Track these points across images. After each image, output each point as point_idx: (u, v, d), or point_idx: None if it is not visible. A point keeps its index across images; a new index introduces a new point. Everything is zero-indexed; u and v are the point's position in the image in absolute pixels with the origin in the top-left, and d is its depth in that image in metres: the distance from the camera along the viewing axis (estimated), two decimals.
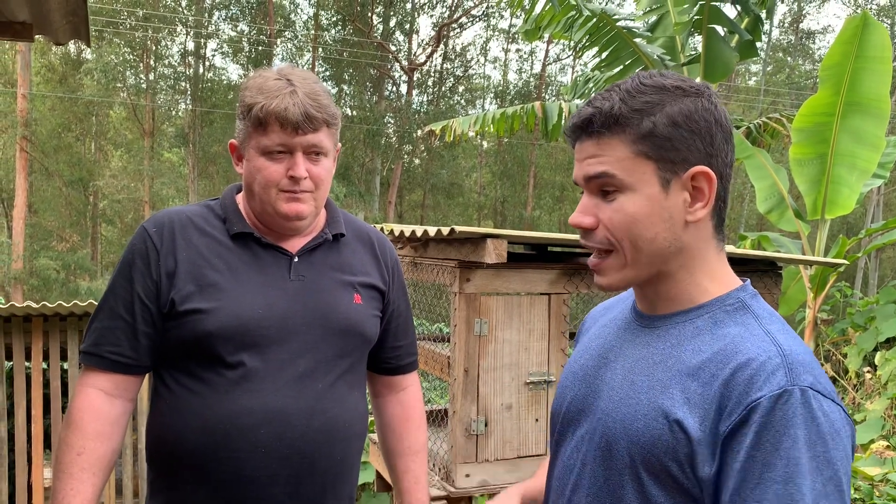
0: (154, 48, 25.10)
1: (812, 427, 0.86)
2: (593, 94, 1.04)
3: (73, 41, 2.73)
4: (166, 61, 26.12)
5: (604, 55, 6.83)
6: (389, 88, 28.00)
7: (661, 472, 0.93)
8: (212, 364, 1.42)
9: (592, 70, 8.06)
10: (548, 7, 6.62)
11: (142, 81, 25.02)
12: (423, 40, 30.61)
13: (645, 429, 0.95)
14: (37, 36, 2.59)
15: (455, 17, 28.22)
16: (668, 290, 1.03)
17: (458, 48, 30.59)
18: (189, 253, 1.46)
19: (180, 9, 25.27)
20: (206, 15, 25.43)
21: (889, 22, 26.93)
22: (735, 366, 0.91)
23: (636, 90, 0.99)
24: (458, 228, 2.47)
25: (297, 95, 1.41)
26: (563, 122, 7.05)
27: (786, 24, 31.12)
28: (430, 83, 29.31)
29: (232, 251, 1.48)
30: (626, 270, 1.01)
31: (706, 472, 0.90)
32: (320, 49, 26.37)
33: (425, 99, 28.61)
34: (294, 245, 1.53)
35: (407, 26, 27.53)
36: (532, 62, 31.99)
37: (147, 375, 1.55)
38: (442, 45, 28.45)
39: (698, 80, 1.06)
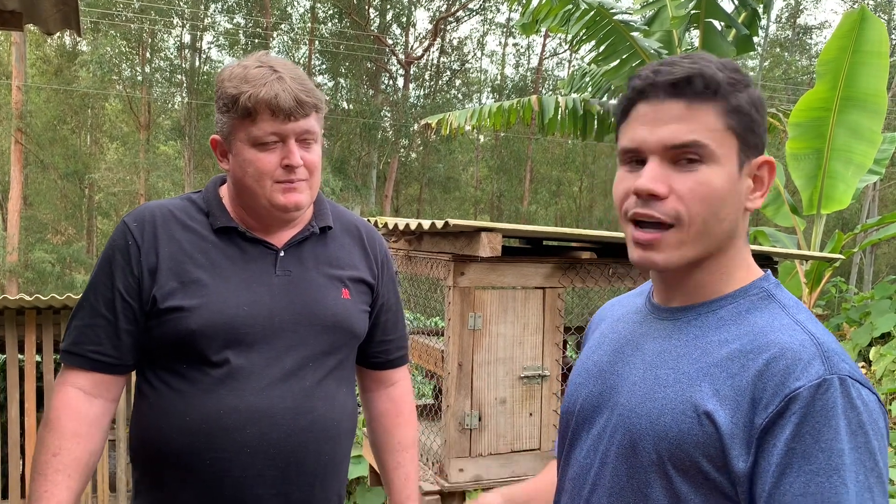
0: (150, 40, 25.00)
1: (853, 417, 0.83)
2: (659, 62, 0.97)
3: (64, 31, 2.70)
4: (162, 54, 26.04)
5: (601, 49, 6.81)
6: (386, 82, 27.95)
7: (691, 467, 0.90)
8: (196, 362, 1.38)
9: (589, 64, 8.04)
10: (545, 0, 6.60)
11: (138, 74, 24.93)
12: (419, 34, 30.54)
13: (673, 423, 0.92)
14: (27, 25, 2.57)
15: (452, 10, 28.15)
16: (701, 278, 0.99)
17: (454, 42, 30.53)
18: (171, 248, 1.41)
19: (176, 1, 25.16)
20: (203, 7, 25.32)
21: (886, 17, 26.93)
22: (768, 356, 0.88)
23: (723, 64, 0.95)
24: (453, 221, 2.45)
25: (284, 81, 1.36)
26: (559, 116, 7.03)
27: (783, 19, 31.13)
28: (426, 77, 29.25)
29: (215, 246, 1.44)
30: (684, 248, 0.94)
31: (740, 467, 0.87)
32: (317, 42, 26.28)
33: (422, 93, 28.56)
34: (280, 239, 1.49)
35: (404, 20, 27.46)
36: (529, 56, 31.98)
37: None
38: (439, 39, 28.39)
39: None
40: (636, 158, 0.96)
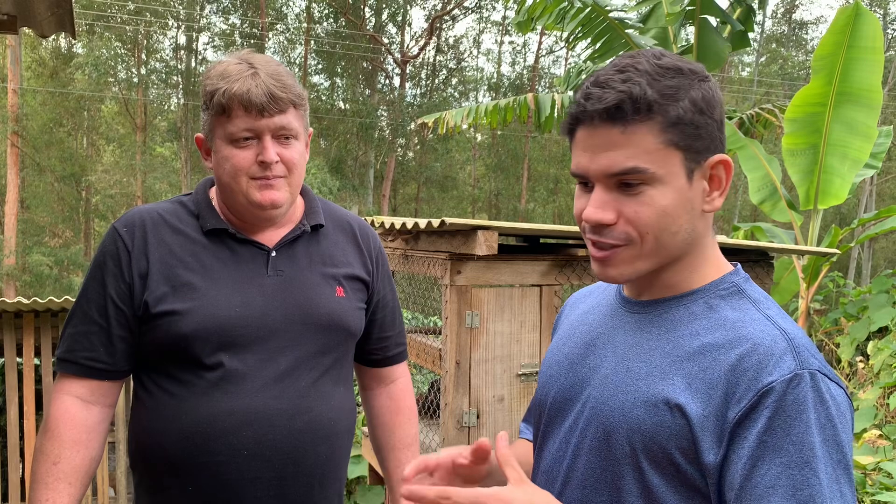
0: (145, 42, 24.98)
1: (822, 411, 0.85)
2: (594, 77, 0.94)
3: (59, 34, 2.70)
4: (158, 55, 26.01)
5: (596, 46, 6.81)
6: (382, 81, 27.93)
7: (663, 460, 0.91)
8: (190, 366, 1.38)
9: (585, 61, 8.05)
10: None
11: (133, 76, 24.90)
12: (415, 33, 30.52)
13: (646, 416, 0.92)
14: (21, 28, 2.57)
15: (448, 9, 28.14)
16: (669, 277, 1.00)
17: (450, 40, 30.53)
18: (161, 252, 1.41)
19: (171, 2, 25.12)
20: (198, 8, 25.29)
21: (881, 12, 26.96)
22: (741, 351, 0.90)
23: (657, 72, 0.92)
24: (449, 220, 2.45)
25: (259, 77, 1.36)
26: (555, 113, 7.03)
27: (778, 15, 31.15)
28: (423, 76, 29.25)
29: (206, 248, 1.43)
30: (638, 263, 0.96)
31: (710, 460, 0.88)
32: (312, 42, 26.26)
33: (418, 91, 28.56)
34: (271, 238, 1.48)
35: (399, 18, 27.45)
36: (525, 54, 31.97)
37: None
38: (434, 38, 28.38)
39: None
40: (585, 181, 0.97)
